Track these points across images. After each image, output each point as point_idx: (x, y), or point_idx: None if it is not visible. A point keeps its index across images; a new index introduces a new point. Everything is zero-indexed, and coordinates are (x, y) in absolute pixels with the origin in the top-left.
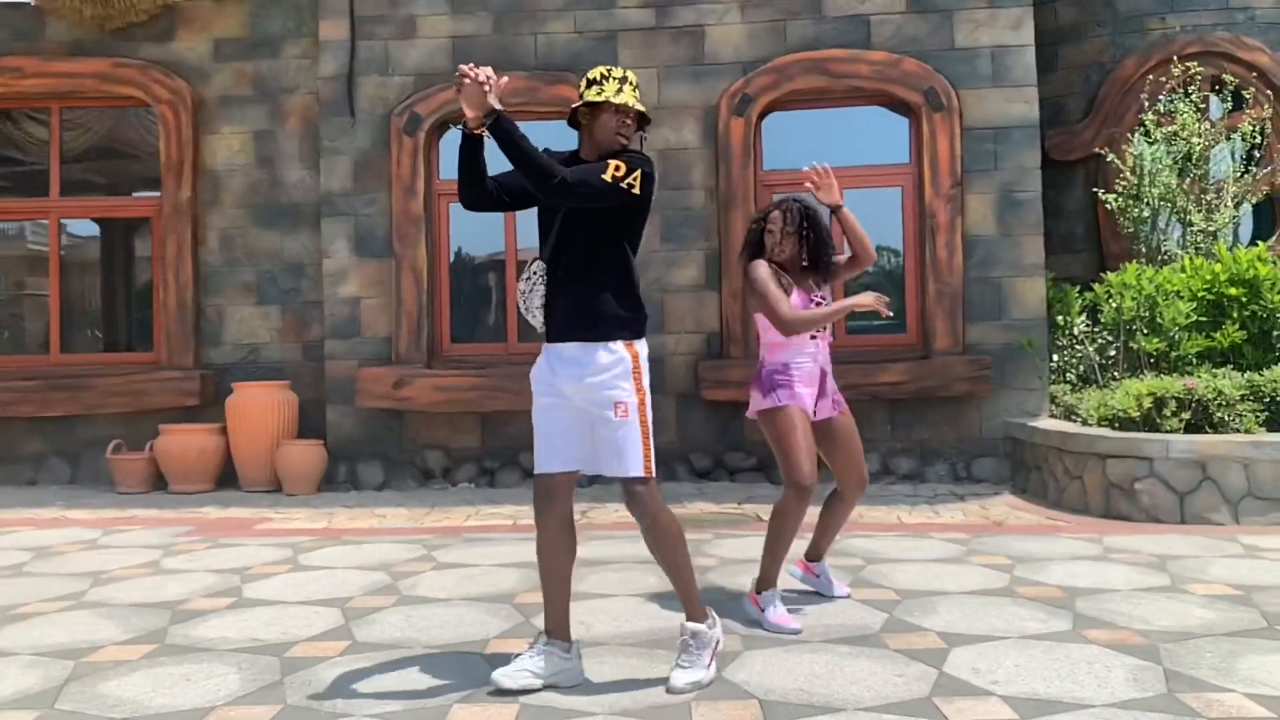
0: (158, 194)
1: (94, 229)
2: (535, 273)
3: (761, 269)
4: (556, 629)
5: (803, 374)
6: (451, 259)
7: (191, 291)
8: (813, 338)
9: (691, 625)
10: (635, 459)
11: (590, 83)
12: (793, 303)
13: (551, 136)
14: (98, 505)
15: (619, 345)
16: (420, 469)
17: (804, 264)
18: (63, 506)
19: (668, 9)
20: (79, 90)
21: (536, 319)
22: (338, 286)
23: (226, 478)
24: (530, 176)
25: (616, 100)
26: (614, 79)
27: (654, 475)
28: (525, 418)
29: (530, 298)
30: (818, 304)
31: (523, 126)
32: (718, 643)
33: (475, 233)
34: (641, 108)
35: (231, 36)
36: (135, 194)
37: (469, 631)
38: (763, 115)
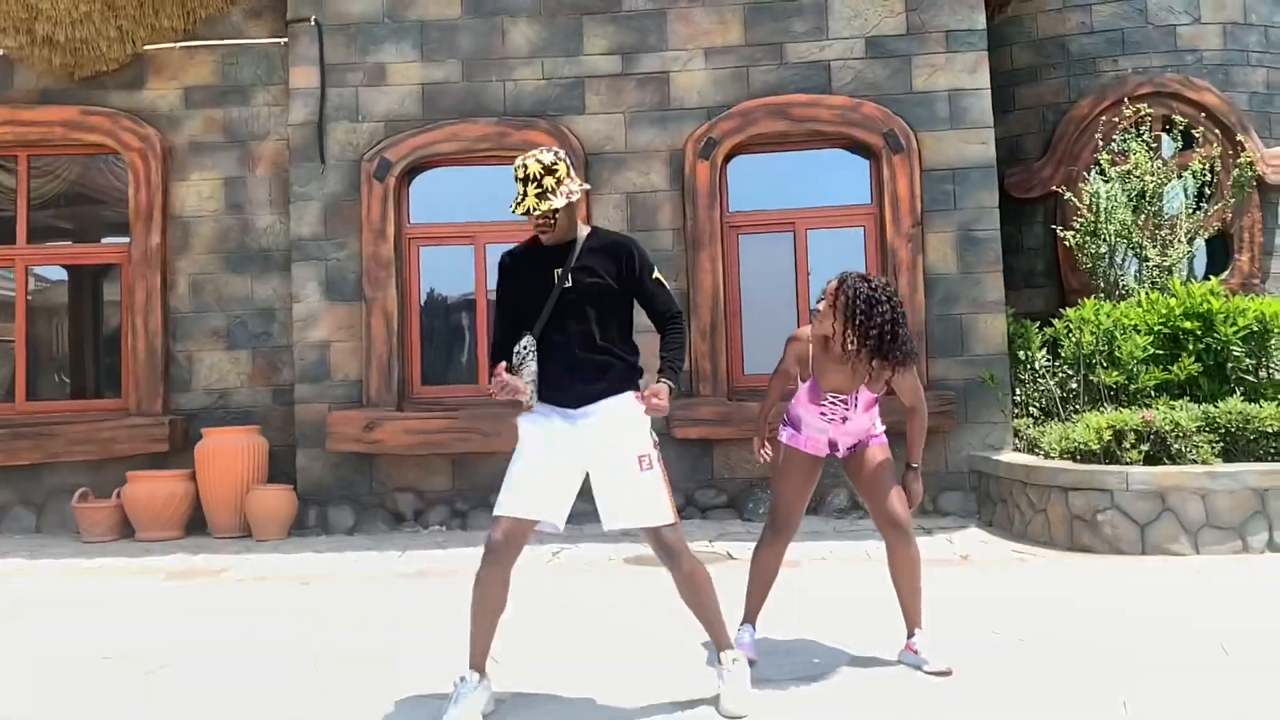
0: (127, 240)
1: (62, 274)
2: (525, 348)
3: (792, 342)
4: (481, 664)
5: (810, 430)
6: (422, 301)
7: (161, 337)
8: (821, 414)
9: (730, 653)
10: (665, 506)
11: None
12: (801, 392)
13: None
14: (62, 554)
15: (633, 395)
16: (391, 512)
17: (857, 348)
18: (26, 556)
19: (633, 56)
20: (47, 138)
21: (524, 395)
22: (308, 330)
23: (196, 524)
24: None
25: (517, 212)
26: (518, 180)
27: (679, 520)
28: (498, 459)
29: (519, 371)
30: (833, 405)
31: (493, 170)
32: (752, 664)
33: (445, 275)
34: (544, 206)
35: (202, 84)
36: (104, 240)
37: (439, 678)
38: (728, 158)
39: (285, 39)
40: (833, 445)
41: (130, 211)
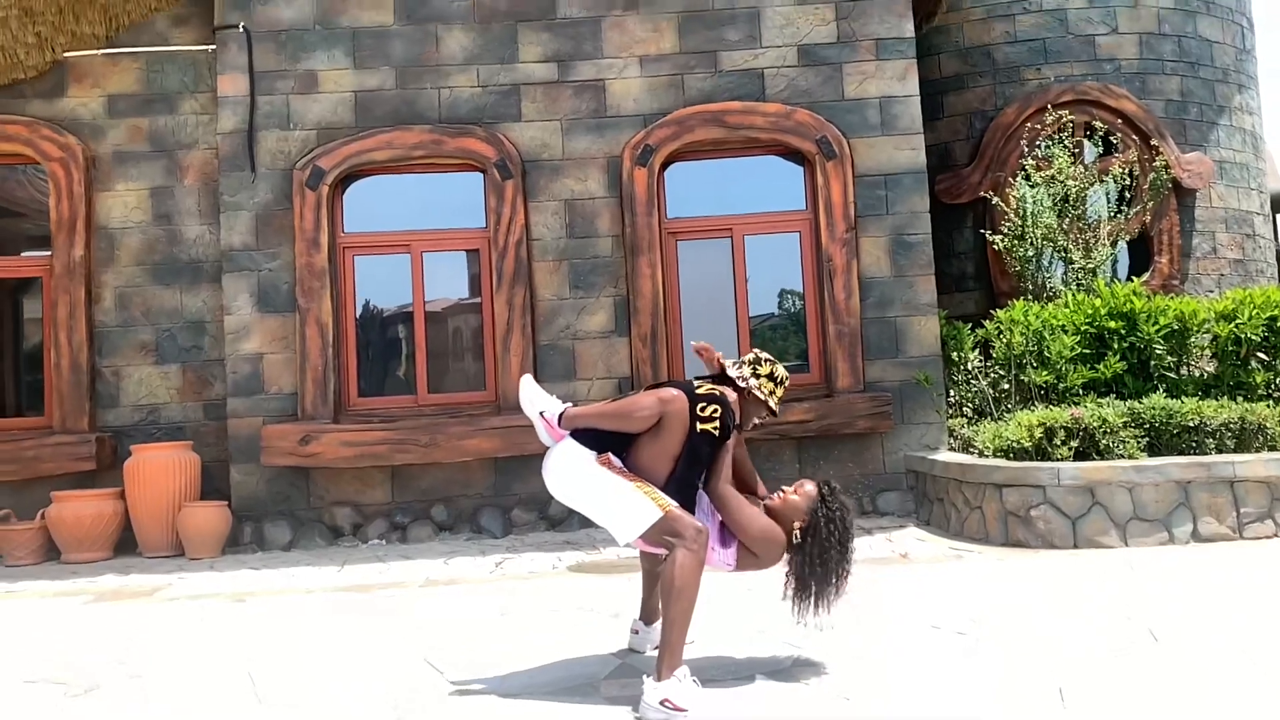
0: (49, 253)
1: None
2: None
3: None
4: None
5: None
6: (358, 312)
7: (86, 352)
8: None
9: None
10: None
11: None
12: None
13: (455, 186)
14: None
15: None
16: (329, 526)
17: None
18: None
19: (569, 63)
20: None
21: None
22: (240, 343)
23: (126, 544)
24: None
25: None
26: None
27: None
28: (436, 471)
29: None
30: None
31: (428, 178)
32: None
33: (381, 285)
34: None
35: (126, 92)
36: (24, 253)
37: (377, 690)
38: (665, 165)
39: (213, 46)
40: None
41: (52, 223)
